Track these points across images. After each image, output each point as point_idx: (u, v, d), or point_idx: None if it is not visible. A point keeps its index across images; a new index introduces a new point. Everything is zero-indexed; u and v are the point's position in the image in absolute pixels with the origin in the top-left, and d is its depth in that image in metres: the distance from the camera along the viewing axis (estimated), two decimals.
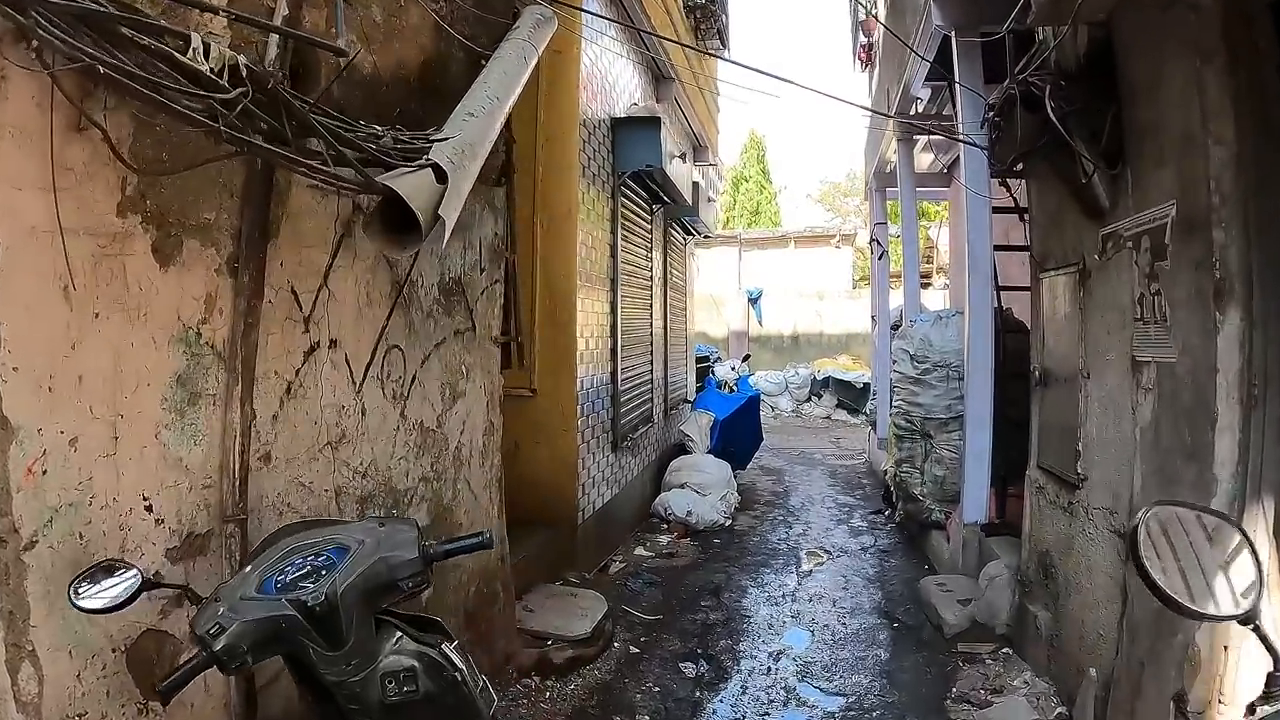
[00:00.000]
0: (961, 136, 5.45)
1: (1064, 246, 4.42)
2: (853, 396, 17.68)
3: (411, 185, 2.73)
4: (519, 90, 3.64)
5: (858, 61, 12.67)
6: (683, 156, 7.81)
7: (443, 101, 3.38)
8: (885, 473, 9.80)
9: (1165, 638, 3.15)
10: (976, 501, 5.85)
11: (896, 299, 12.46)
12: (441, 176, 2.82)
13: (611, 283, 7.10)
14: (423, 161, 2.85)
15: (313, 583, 1.74)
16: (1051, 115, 3.56)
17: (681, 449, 9.54)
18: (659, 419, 9.46)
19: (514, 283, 4.78)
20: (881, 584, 6.56)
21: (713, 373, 16.06)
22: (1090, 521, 4.06)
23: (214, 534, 2.50)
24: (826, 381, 18.27)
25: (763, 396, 18.28)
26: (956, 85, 5.62)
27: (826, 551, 7.53)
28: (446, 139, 3.05)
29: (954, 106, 5.75)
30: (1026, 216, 4.93)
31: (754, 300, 20.74)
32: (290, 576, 1.78)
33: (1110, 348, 3.85)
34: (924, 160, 11.50)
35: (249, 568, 1.87)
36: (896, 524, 7.95)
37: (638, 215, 8.11)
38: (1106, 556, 3.91)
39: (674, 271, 10.55)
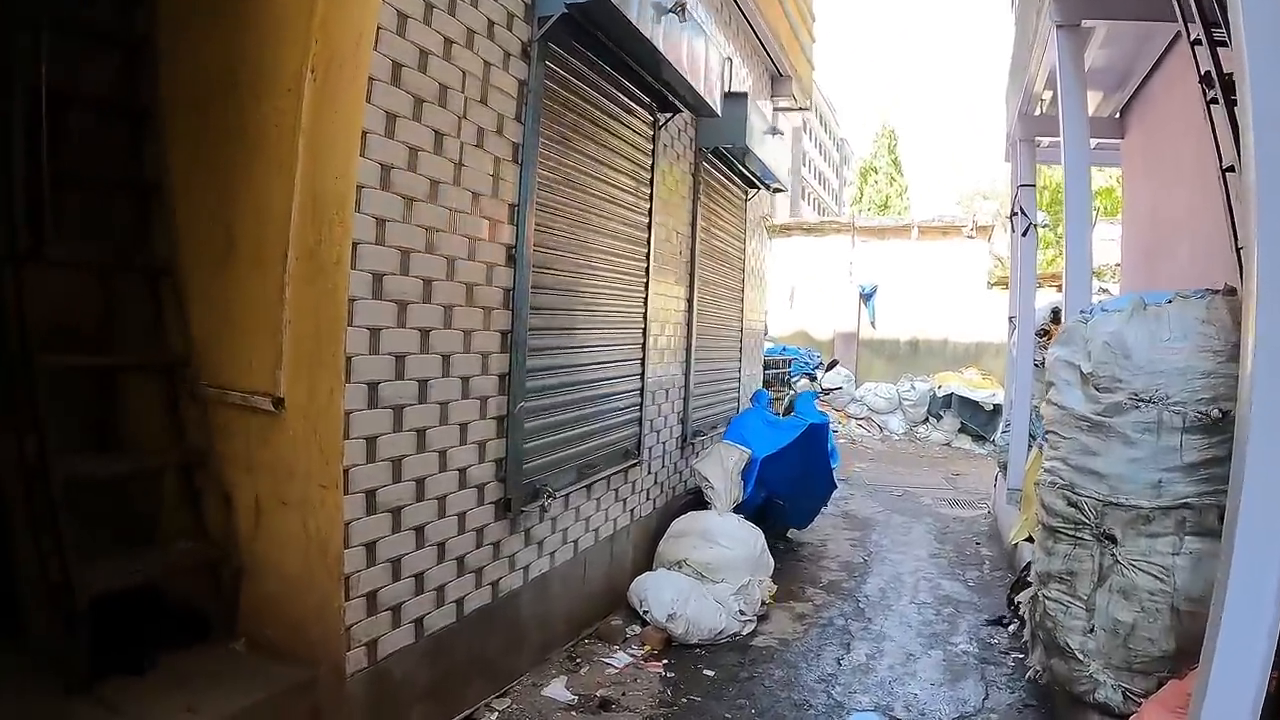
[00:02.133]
0: None
1: None
2: (980, 420, 13.92)
3: None
4: None
5: None
6: (681, 9, 4.53)
7: None
8: (1013, 545, 6.24)
9: None
10: None
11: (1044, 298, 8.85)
12: None
13: (513, 211, 3.92)
14: None
15: None
16: None
17: (699, 499, 6.23)
18: (664, 451, 6.21)
19: None
20: None
21: (797, 385, 12.80)
22: None
23: None
24: (948, 400, 14.47)
25: (871, 415, 14.71)
26: None
27: None
28: None
29: None
30: None
31: (867, 297, 16.98)
32: None
33: None
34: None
35: None
36: (1028, 673, 4.42)
37: (607, 109, 4.82)
38: None
39: (720, 232, 7.26)
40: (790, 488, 6.42)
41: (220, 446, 3.36)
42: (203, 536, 3.34)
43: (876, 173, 27.41)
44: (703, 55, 5.14)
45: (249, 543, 3.28)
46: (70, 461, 2.89)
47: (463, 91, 3.47)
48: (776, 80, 8.82)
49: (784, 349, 14.56)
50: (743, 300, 8.24)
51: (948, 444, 14.26)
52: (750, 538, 5.61)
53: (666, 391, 6.24)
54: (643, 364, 5.66)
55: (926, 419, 14.71)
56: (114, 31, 3.58)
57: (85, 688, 2.77)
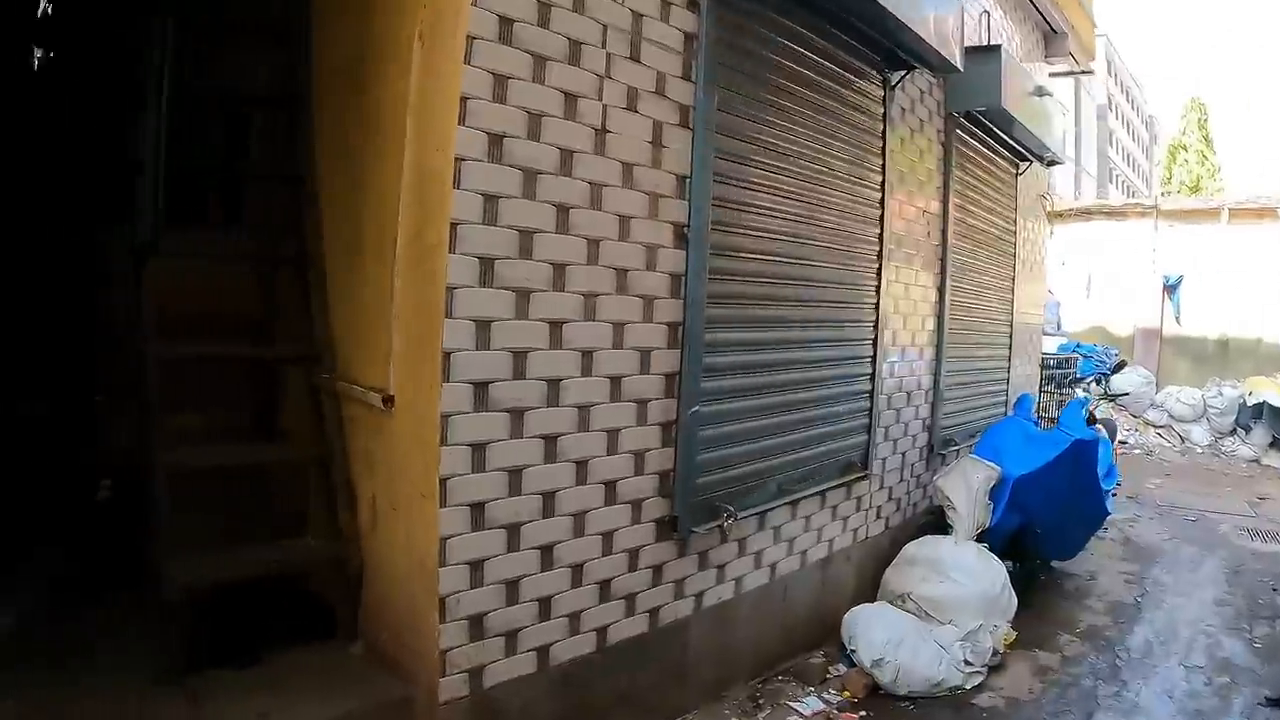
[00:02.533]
0: None
1: None
2: None
3: None
4: None
5: None
6: None
7: None
8: None
9: None
10: None
11: None
12: None
13: (683, 184, 3.39)
14: None
15: None
16: None
17: (942, 519, 5.32)
18: (903, 463, 5.43)
19: None
20: None
21: (1094, 387, 11.19)
22: None
23: None
24: (1259, 409, 12.02)
25: (1172, 423, 12.57)
26: None
27: None
28: None
29: None
30: None
31: (1171, 289, 14.53)
32: None
33: None
34: None
35: None
36: None
37: (813, 64, 4.11)
38: None
39: (981, 211, 6.25)
40: (1049, 514, 5.33)
41: (348, 442, 3.18)
42: (334, 533, 3.18)
43: (1185, 150, 23.78)
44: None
45: (368, 543, 3.08)
46: (176, 453, 2.80)
47: (603, 47, 3.00)
48: (1051, 39, 7.56)
49: (1076, 346, 12.79)
50: (1013, 290, 7.12)
51: (1256, 460, 11.89)
52: (989, 573, 4.69)
53: (908, 395, 5.43)
54: (874, 363, 4.92)
55: (1234, 429, 12.38)
56: (277, 28, 3.53)
57: (174, 678, 2.66)
